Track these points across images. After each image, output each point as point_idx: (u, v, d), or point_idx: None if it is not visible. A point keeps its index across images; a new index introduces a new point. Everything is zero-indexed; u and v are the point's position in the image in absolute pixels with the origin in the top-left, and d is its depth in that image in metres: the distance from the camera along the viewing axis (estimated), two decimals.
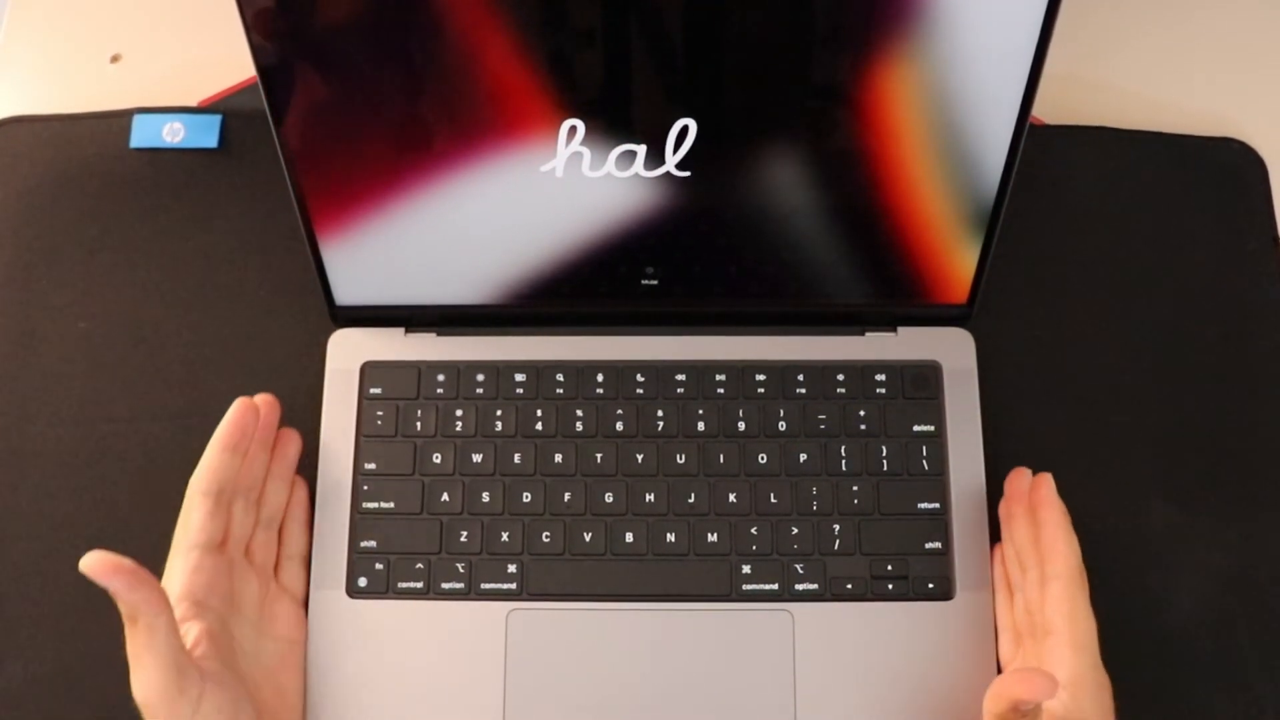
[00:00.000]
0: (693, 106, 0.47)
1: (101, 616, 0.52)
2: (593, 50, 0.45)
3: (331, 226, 0.51)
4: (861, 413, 0.54)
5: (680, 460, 0.53)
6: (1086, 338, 0.57)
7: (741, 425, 0.54)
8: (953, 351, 0.55)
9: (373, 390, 0.54)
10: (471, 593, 0.52)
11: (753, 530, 0.52)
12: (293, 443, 0.53)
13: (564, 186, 0.49)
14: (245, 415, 0.49)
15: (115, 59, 0.63)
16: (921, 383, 0.54)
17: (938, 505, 0.53)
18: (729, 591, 0.52)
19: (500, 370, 0.55)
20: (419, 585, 0.52)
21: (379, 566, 0.52)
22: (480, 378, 0.54)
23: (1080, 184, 0.59)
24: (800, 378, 0.54)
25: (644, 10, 0.44)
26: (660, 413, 0.54)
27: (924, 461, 0.53)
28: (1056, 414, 0.55)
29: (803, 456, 0.53)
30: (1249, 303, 0.57)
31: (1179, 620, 0.52)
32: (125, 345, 0.57)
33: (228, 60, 0.59)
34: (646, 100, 0.47)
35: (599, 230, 0.51)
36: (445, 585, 0.52)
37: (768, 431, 0.54)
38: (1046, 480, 0.49)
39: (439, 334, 0.55)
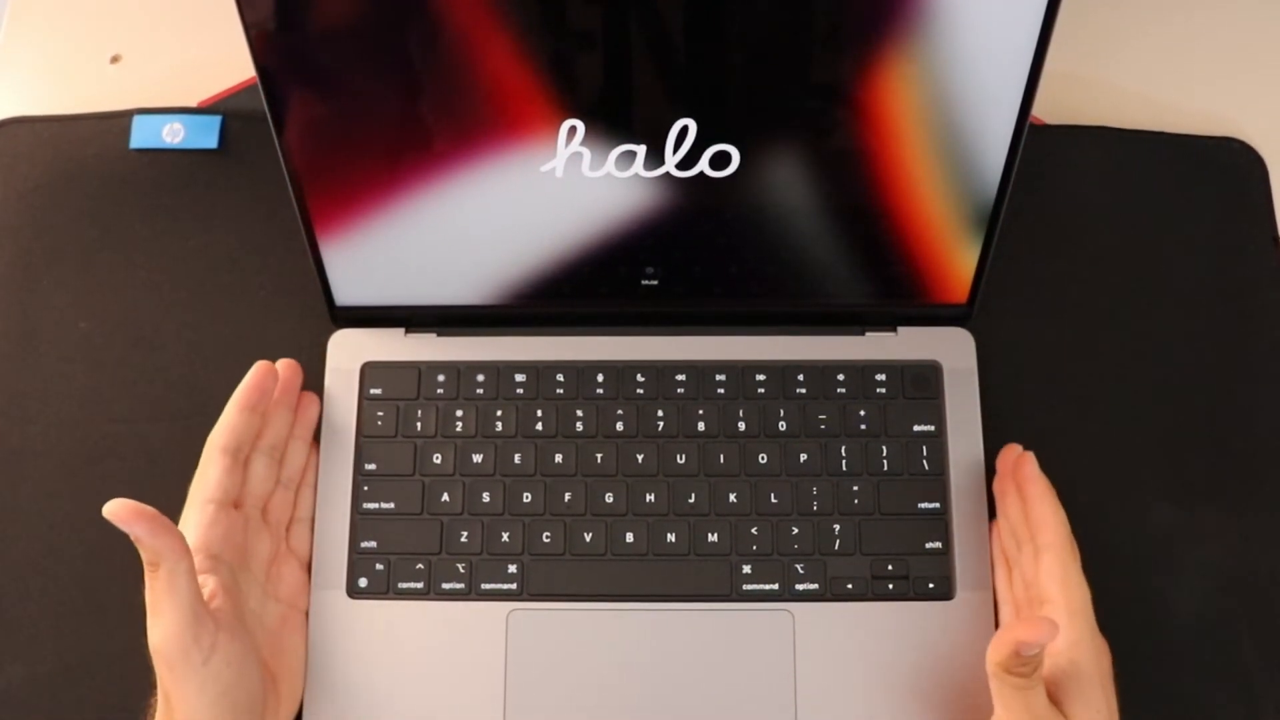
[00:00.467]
0: (693, 106, 0.47)
1: (102, 616, 0.52)
2: (593, 50, 0.45)
3: (331, 227, 0.51)
4: (862, 413, 0.54)
5: (680, 460, 0.53)
6: (1086, 337, 0.57)
7: (742, 425, 0.54)
8: (953, 351, 0.55)
9: (373, 391, 0.54)
10: (472, 593, 0.52)
11: (753, 530, 0.52)
12: (313, 406, 0.54)
13: (564, 187, 0.49)
14: (265, 378, 0.50)
15: (115, 59, 0.63)
16: (921, 382, 0.54)
17: (938, 505, 0.53)
18: (729, 591, 0.52)
19: (500, 370, 0.55)
20: (419, 585, 0.52)
21: (379, 567, 0.52)
22: (480, 378, 0.54)
23: (1080, 184, 0.59)
24: (800, 378, 0.54)
25: (644, 10, 0.44)
26: (660, 413, 0.54)
27: (924, 461, 0.53)
28: (1056, 414, 0.55)
29: (803, 456, 0.53)
30: (1249, 303, 0.57)
31: (1179, 620, 0.52)
32: (125, 345, 0.57)
33: (228, 60, 0.59)
34: (646, 100, 0.47)
35: (599, 230, 0.51)
36: (445, 585, 0.52)
37: (768, 431, 0.54)
38: (1029, 459, 0.50)
39: (439, 334, 0.55)
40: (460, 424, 0.54)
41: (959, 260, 0.52)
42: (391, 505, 0.53)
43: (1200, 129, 0.60)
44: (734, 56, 0.46)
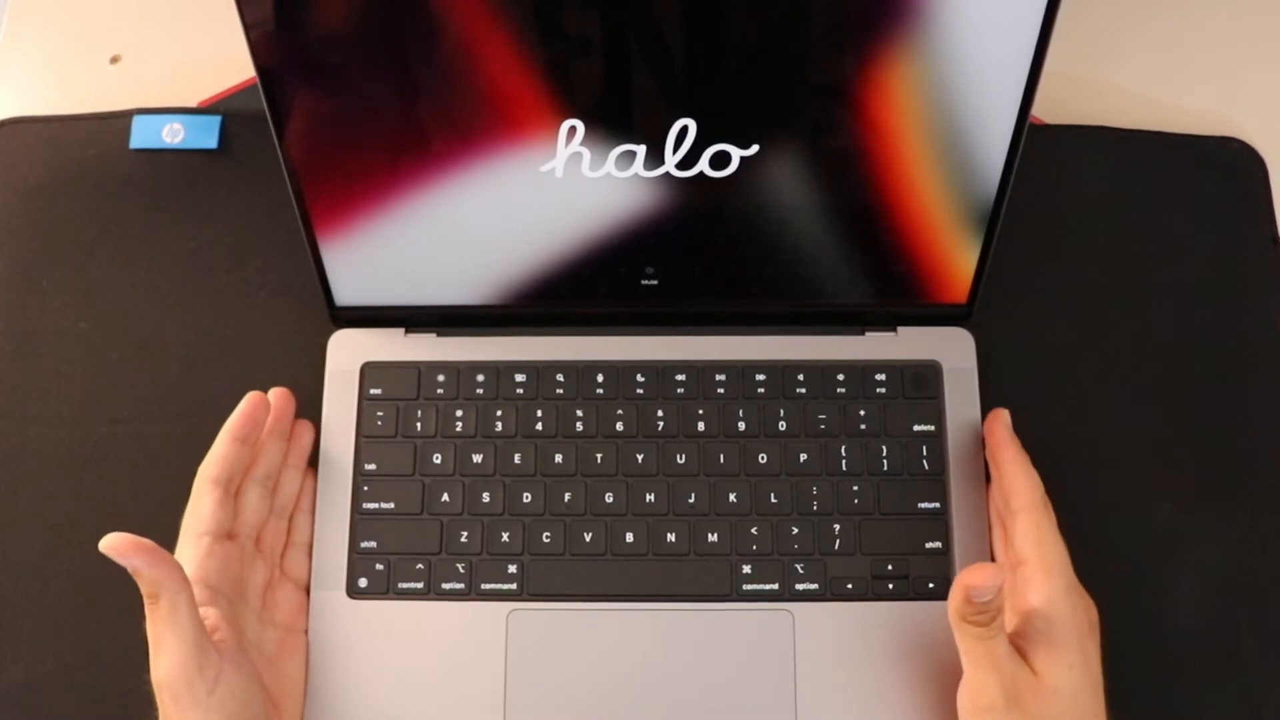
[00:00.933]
0: (692, 106, 0.47)
1: (102, 617, 0.52)
2: (592, 50, 0.45)
3: (331, 227, 0.51)
4: (861, 412, 0.54)
5: (680, 460, 0.53)
6: (1086, 337, 0.57)
7: (741, 425, 0.54)
8: (953, 351, 0.55)
9: (373, 391, 0.54)
10: (472, 593, 0.52)
11: (753, 530, 0.52)
12: (307, 433, 0.54)
13: (564, 187, 0.49)
14: (256, 408, 0.50)
15: (115, 60, 0.63)
16: (921, 382, 0.54)
17: (938, 505, 0.53)
18: (729, 591, 0.52)
19: (500, 370, 0.55)
20: (419, 585, 0.52)
21: (379, 567, 0.52)
22: (480, 378, 0.54)
23: (1080, 184, 0.59)
24: (800, 377, 0.54)
25: (644, 11, 0.44)
26: (660, 413, 0.54)
27: (924, 461, 0.53)
28: (1056, 414, 0.55)
29: (803, 456, 0.53)
30: (1249, 303, 0.57)
31: (1179, 620, 0.52)
32: (125, 345, 0.57)
33: (228, 60, 0.59)
34: (646, 100, 0.47)
35: (599, 230, 0.51)
36: (445, 585, 0.52)
37: (768, 431, 0.54)
38: (997, 424, 0.51)
39: (439, 334, 0.55)
40: (460, 424, 0.54)
41: (959, 260, 0.52)
42: (391, 505, 0.53)
43: (1200, 129, 0.60)
44: (734, 56, 0.46)
